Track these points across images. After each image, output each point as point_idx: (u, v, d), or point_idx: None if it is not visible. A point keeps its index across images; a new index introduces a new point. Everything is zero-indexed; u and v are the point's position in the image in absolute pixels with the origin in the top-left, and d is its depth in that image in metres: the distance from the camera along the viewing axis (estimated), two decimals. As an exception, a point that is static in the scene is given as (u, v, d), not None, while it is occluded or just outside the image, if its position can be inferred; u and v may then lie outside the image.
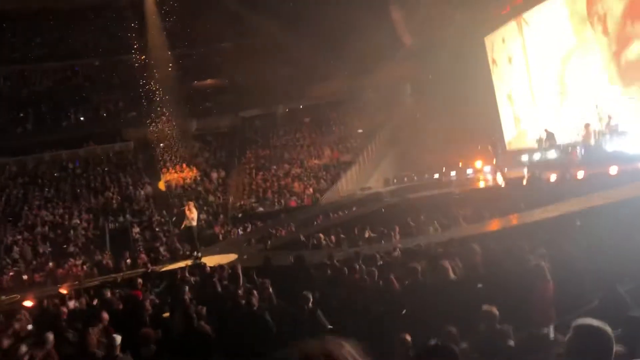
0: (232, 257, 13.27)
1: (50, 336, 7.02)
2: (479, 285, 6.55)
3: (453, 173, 22.76)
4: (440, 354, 3.32)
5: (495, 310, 5.19)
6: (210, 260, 13.36)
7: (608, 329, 2.47)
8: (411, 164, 29.09)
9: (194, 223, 14.81)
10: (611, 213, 8.70)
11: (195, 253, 14.68)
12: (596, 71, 18.02)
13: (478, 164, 23.10)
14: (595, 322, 2.56)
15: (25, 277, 19.19)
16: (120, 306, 9.29)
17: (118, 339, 6.14)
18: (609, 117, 15.76)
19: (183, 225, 14.98)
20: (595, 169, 13.76)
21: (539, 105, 21.52)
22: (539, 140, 19.93)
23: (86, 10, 31.83)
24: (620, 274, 6.27)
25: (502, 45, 24.06)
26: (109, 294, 9.87)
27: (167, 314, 8.70)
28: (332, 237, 13.59)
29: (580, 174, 13.66)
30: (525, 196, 13.15)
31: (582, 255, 6.94)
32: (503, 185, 15.46)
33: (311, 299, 6.66)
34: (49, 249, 22.14)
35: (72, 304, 10.55)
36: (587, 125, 16.83)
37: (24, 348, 6.35)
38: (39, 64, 32.09)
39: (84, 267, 19.45)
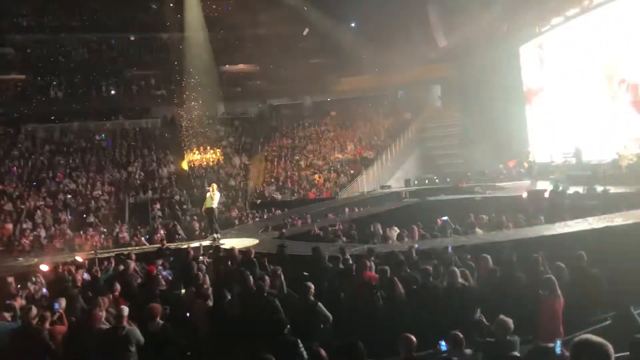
0: (248, 241, 13.30)
1: (63, 301, 7.17)
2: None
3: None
4: None
5: (510, 323, 5.17)
6: (226, 244, 13.42)
7: (608, 347, 2.42)
8: (434, 166, 28.91)
9: (215, 205, 14.93)
10: (633, 233, 8.52)
11: (215, 235, 14.78)
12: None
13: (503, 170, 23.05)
14: (595, 339, 2.49)
15: (44, 242, 19.59)
16: (138, 280, 9.48)
17: (126, 310, 6.24)
18: None
19: (204, 207, 15.10)
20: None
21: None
22: (566, 155, 19.71)
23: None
24: (637, 295, 6.18)
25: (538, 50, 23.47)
26: (132, 265, 10.03)
27: (182, 291, 8.76)
28: (347, 232, 13.57)
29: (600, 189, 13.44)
30: (546, 208, 12.96)
31: (600, 272, 6.83)
32: (525, 196, 15.23)
33: (312, 290, 6.65)
34: (69, 217, 22.54)
35: (83, 272, 10.73)
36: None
37: (34, 310, 6.49)
38: (76, 34, 32.55)
39: (102, 237, 19.82)
